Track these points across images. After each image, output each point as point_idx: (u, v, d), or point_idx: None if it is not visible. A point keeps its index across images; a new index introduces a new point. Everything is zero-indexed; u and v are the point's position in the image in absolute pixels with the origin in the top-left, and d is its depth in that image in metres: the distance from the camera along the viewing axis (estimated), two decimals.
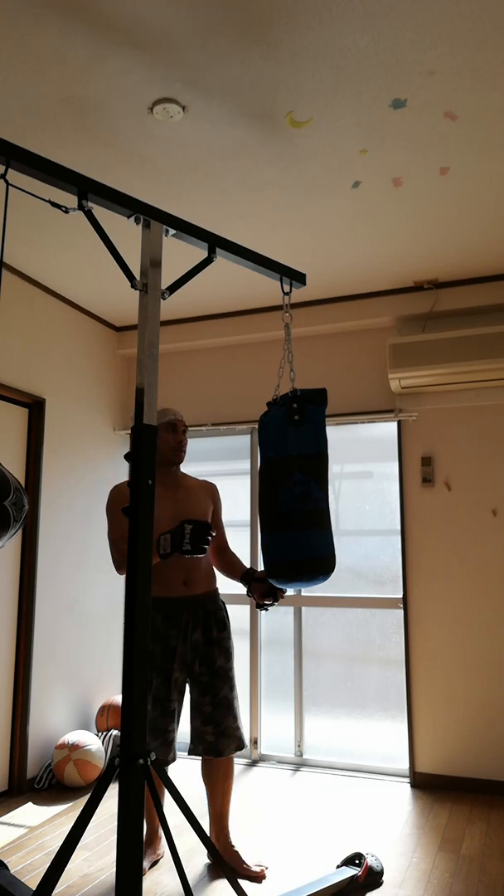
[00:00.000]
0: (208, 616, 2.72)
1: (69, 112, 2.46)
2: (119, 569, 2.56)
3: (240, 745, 2.71)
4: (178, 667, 2.65)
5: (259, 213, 3.16)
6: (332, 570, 2.36)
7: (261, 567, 4.15)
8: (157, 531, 2.63)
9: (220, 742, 2.68)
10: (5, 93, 2.36)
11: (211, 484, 2.91)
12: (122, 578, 4.56)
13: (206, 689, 2.69)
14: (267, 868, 2.72)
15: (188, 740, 3.40)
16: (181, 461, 2.79)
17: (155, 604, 2.66)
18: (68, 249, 3.53)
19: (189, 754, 2.73)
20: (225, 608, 2.81)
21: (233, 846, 2.76)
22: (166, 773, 1.97)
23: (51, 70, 2.26)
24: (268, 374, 4.33)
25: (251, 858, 2.83)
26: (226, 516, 4.26)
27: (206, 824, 3.18)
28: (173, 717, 2.64)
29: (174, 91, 2.34)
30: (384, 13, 2.01)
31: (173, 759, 2.65)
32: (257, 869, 2.69)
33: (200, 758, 2.80)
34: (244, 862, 2.72)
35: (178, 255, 3.53)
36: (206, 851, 2.89)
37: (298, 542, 2.30)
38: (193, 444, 4.62)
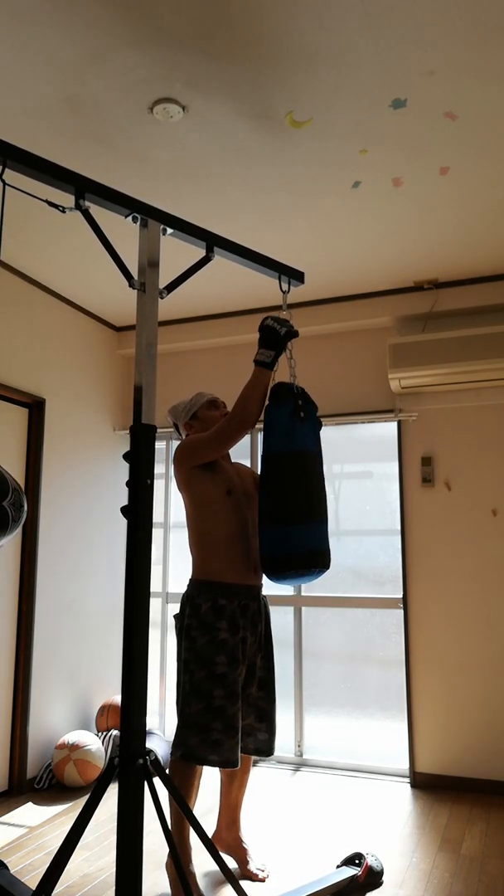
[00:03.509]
0: (266, 608, 2.69)
1: (69, 112, 2.46)
2: (243, 423, 2.43)
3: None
4: (245, 660, 2.53)
5: (259, 213, 3.16)
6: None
7: None
8: (234, 493, 2.60)
9: (270, 741, 2.63)
10: (5, 93, 2.36)
11: (252, 469, 2.89)
12: (121, 579, 4.55)
13: (264, 683, 2.63)
14: (268, 876, 2.68)
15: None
16: None
17: (228, 591, 2.52)
18: (68, 249, 3.53)
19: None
20: None
21: (243, 841, 2.73)
22: (164, 771, 1.96)
23: (51, 70, 2.26)
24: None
25: (253, 858, 2.80)
26: None
27: (211, 821, 3.18)
28: (241, 712, 2.51)
29: (174, 91, 2.34)
30: (384, 13, 2.01)
31: (238, 763, 2.47)
32: (260, 874, 2.66)
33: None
34: (249, 861, 2.69)
35: (177, 254, 3.53)
36: (205, 851, 2.89)
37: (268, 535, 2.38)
38: None
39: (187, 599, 2.56)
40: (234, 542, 2.56)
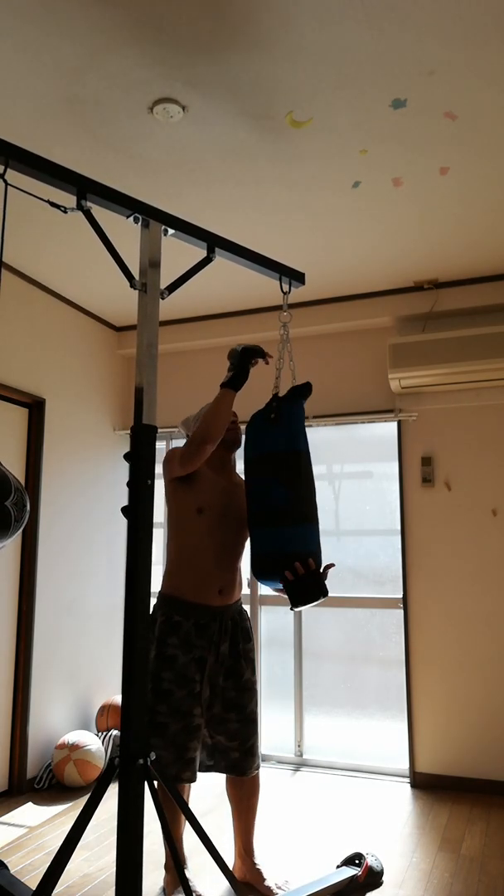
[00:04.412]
0: (235, 626, 2.59)
1: (69, 112, 2.46)
2: (203, 443, 2.39)
3: (258, 764, 2.60)
4: (203, 679, 2.48)
5: (259, 213, 3.16)
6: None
7: None
8: (208, 512, 2.54)
9: (245, 760, 2.55)
10: (5, 93, 2.36)
11: None
12: (121, 579, 4.56)
13: (233, 704, 2.54)
14: (285, 887, 2.58)
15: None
16: (238, 444, 2.68)
17: (184, 609, 2.50)
18: (68, 249, 3.53)
19: (206, 771, 2.59)
20: (249, 618, 2.69)
21: (256, 864, 2.64)
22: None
23: (51, 70, 2.26)
24: (268, 374, 4.32)
25: (268, 878, 2.66)
26: None
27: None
28: (196, 733, 2.45)
29: (174, 91, 2.34)
30: (384, 13, 2.01)
31: (194, 780, 2.45)
32: (278, 892, 2.54)
33: (225, 774, 2.64)
34: (265, 880, 2.59)
35: (178, 254, 3.53)
36: (204, 851, 2.88)
37: (264, 538, 2.35)
38: None
39: (152, 612, 2.55)
40: (200, 560, 2.52)
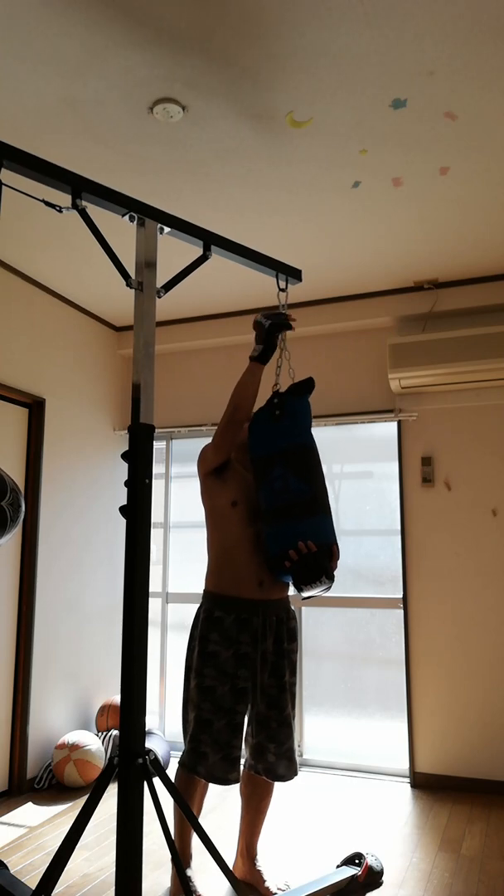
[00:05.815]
0: (280, 624, 2.53)
1: (69, 112, 2.46)
2: (233, 420, 2.43)
3: (296, 772, 2.55)
4: (247, 676, 2.43)
5: (259, 213, 3.16)
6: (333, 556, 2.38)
7: None
8: (242, 505, 2.52)
9: (279, 764, 2.49)
10: (5, 93, 2.36)
11: None
12: (121, 579, 4.56)
13: (274, 702, 2.49)
14: (286, 889, 2.57)
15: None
16: None
17: (224, 603, 2.46)
18: (68, 249, 3.53)
19: (250, 771, 2.56)
20: (296, 618, 2.62)
21: (257, 865, 2.64)
22: (164, 771, 1.96)
23: (51, 70, 2.26)
24: (268, 373, 4.32)
25: (269, 879, 2.65)
26: None
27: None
28: (239, 730, 2.41)
29: (174, 91, 2.34)
30: (384, 13, 2.01)
31: (236, 780, 2.40)
32: (278, 893, 2.53)
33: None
34: (265, 882, 2.58)
35: (175, 253, 3.53)
36: (205, 851, 2.88)
37: (285, 533, 2.34)
38: (193, 445, 4.62)
39: (197, 609, 2.57)
40: (238, 552, 2.49)
